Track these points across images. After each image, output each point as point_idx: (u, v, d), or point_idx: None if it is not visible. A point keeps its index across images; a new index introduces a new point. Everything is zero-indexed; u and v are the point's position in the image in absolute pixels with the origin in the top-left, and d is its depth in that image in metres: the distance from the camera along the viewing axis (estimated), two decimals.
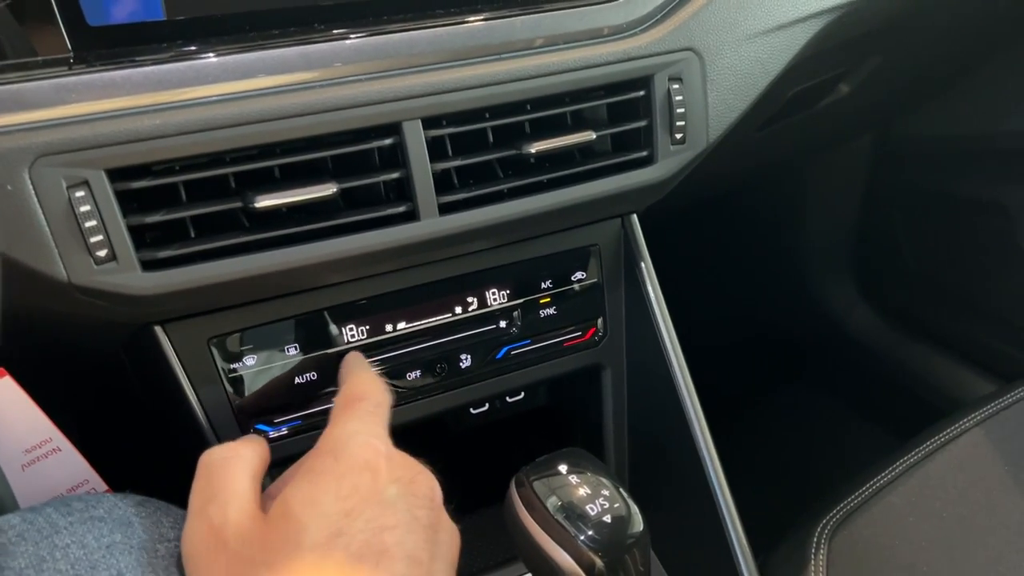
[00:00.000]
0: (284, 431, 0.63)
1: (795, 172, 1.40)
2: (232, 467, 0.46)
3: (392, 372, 0.66)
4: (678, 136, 0.64)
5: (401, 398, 0.67)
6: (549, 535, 0.52)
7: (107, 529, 0.45)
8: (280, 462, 0.63)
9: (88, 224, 0.48)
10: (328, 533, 0.41)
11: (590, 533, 0.51)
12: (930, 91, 1.19)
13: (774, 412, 1.53)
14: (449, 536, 0.47)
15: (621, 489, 0.55)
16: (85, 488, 0.57)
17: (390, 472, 0.46)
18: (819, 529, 0.75)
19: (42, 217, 0.47)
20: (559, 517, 0.52)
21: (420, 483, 0.47)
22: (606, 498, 0.53)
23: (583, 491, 0.53)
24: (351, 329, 0.64)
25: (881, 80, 0.97)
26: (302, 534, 0.41)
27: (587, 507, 0.52)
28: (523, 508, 0.54)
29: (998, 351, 1.29)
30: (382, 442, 0.48)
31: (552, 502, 0.53)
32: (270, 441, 0.62)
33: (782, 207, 1.49)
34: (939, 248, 1.35)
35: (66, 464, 0.56)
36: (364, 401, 0.51)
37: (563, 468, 0.55)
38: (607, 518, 0.52)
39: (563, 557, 0.51)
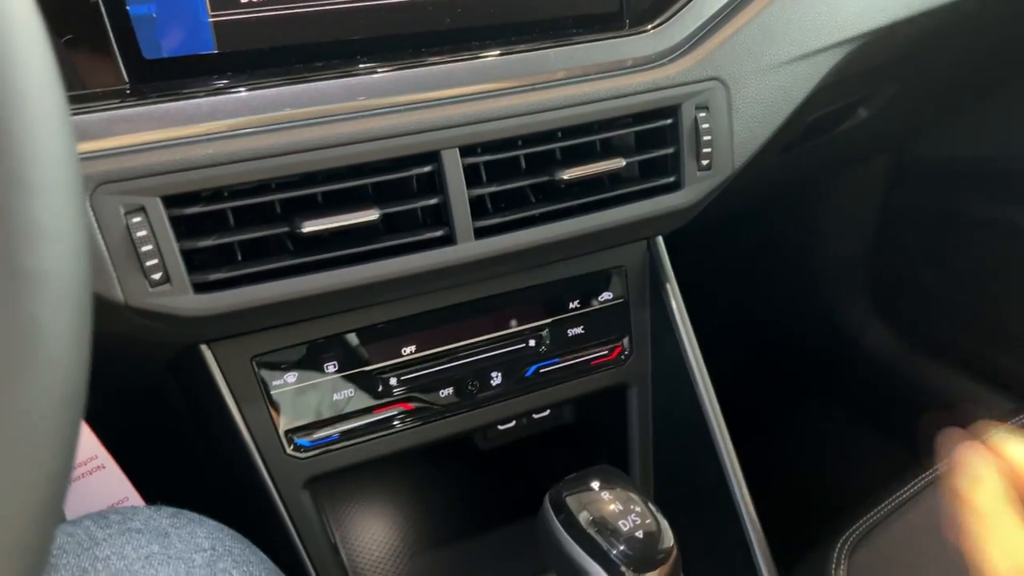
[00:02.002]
0: (322, 446, 0.65)
1: (812, 191, 1.41)
2: None
3: (425, 390, 0.68)
4: (704, 163, 0.66)
5: (433, 415, 0.69)
6: (583, 549, 0.53)
7: (145, 540, 0.46)
8: (318, 477, 0.66)
9: (144, 249, 0.50)
10: None
11: (622, 548, 0.53)
12: (947, 113, 1.21)
13: (791, 428, 1.54)
14: None
15: (651, 505, 0.56)
16: (125, 504, 0.59)
17: None
18: (839, 545, 0.77)
19: (102, 242, 0.49)
20: (592, 531, 0.54)
21: None
22: (637, 514, 0.55)
23: (615, 507, 0.55)
24: (386, 348, 0.66)
25: (899, 104, 0.98)
26: None
27: (619, 522, 0.54)
28: (557, 522, 0.55)
29: (1014, 369, 1.30)
30: None
31: (584, 517, 0.55)
32: (309, 456, 0.64)
33: (799, 225, 1.50)
34: (954, 267, 1.35)
35: (108, 481, 0.58)
36: None
37: (595, 484, 0.57)
38: (639, 533, 0.54)
39: (596, 570, 0.53)
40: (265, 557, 0.53)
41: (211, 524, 0.51)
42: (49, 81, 0.27)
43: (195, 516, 0.51)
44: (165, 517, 0.49)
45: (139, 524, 0.47)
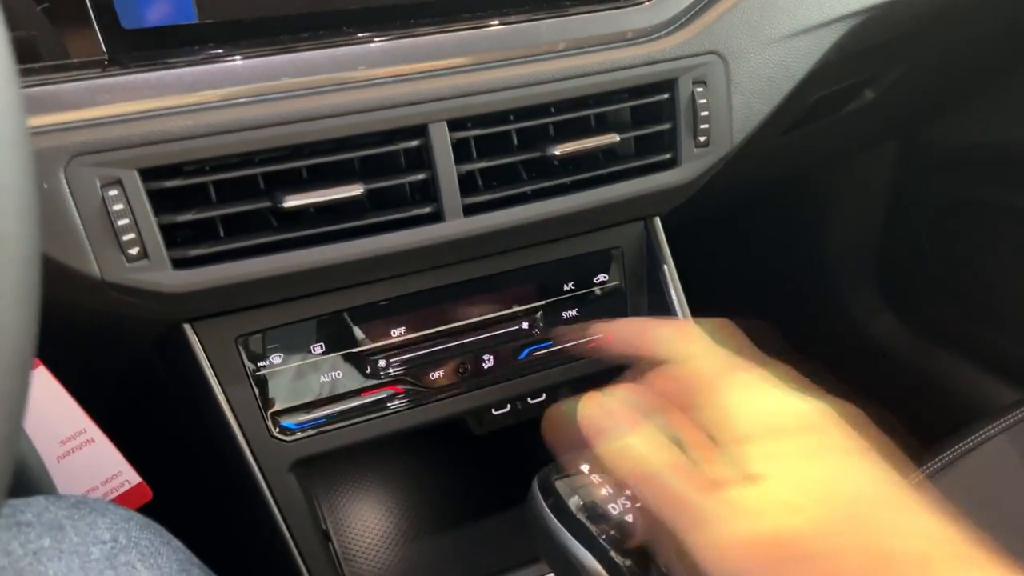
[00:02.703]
0: (309, 428, 0.64)
1: (820, 178, 1.39)
2: None
3: (415, 372, 0.66)
4: (702, 139, 0.64)
5: (424, 398, 0.67)
6: (571, 534, 0.52)
7: (35, 534, 0.43)
8: (305, 460, 0.64)
9: (121, 222, 0.49)
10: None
11: (612, 533, 0.51)
12: (957, 99, 1.19)
13: None
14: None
15: None
16: (118, 480, 0.58)
17: (819, 419, 0.41)
18: None
19: (76, 215, 0.48)
20: (581, 516, 0.52)
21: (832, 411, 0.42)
22: (628, 497, 0.53)
23: (605, 491, 0.54)
24: (375, 328, 0.64)
25: (907, 87, 0.96)
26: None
27: (609, 506, 0.53)
28: (545, 507, 0.54)
29: (1023, 359, 1.28)
30: (797, 397, 0.42)
31: (574, 501, 0.53)
32: (296, 439, 0.63)
33: (806, 213, 1.49)
34: (964, 256, 1.34)
35: (100, 455, 0.57)
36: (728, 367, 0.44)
37: (584, 468, 0.56)
38: (629, 517, 0.52)
39: (585, 556, 0.51)
40: (181, 546, 0.50)
41: (118, 513, 0.48)
42: None
43: (99, 504, 0.48)
44: (63, 508, 0.46)
45: (30, 516, 0.44)
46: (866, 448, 0.41)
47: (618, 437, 0.43)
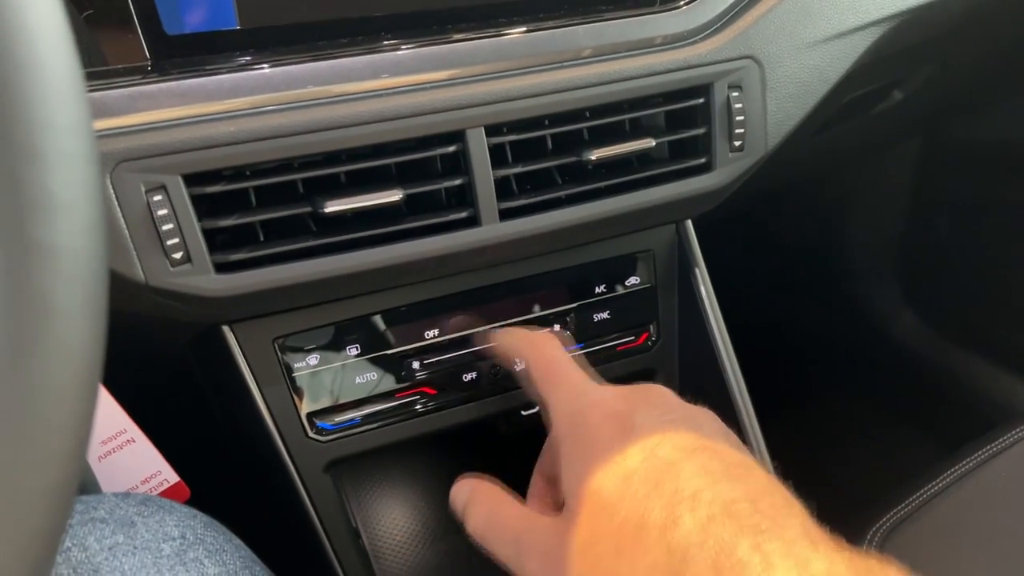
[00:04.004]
0: (344, 429, 0.64)
1: (840, 175, 1.39)
2: None
3: (448, 374, 0.67)
4: (737, 144, 0.64)
5: (456, 400, 0.68)
6: None
7: (109, 531, 0.44)
8: (339, 460, 0.65)
9: (165, 227, 0.50)
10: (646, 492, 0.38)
11: None
12: (984, 98, 1.18)
13: (818, 417, 1.52)
14: (702, 413, 0.46)
15: None
16: (157, 479, 0.59)
17: (627, 405, 0.44)
18: (868, 537, 0.75)
19: (122, 221, 0.49)
20: None
21: (651, 393, 0.46)
22: None
23: None
24: (409, 331, 0.65)
25: (936, 87, 0.96)
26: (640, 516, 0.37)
27: None
28: None
29: None
30: (602, 392, 0.46)
31: None
32: (331, 439, 0.64)
33: (827, 211, 1.48)
34: (987, 254, 1.33)
35: (139, 455, 0.58)
36: (554, 365, 0.51)
37: None
38: None
39: None
40: (242, 544, 0.51)
41: (183, 511, 0.49)
42: (63, 49, 0.26)
43: (166, 503, 0.50)
44: (132, 505, 0.47)
45: (103, 513, 0.46)
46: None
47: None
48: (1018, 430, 0.83)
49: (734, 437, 0.45)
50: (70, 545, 0.43)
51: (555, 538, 0.40)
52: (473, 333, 0.67)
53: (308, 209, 0.54)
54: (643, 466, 0.39)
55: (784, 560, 0.33)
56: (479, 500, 0.48)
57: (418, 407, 0.67)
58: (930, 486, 0.79)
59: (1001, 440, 0.82)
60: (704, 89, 0.62)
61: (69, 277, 0.26)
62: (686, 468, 0.38)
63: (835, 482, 1.23)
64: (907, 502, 0.78)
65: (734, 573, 0.33)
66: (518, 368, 0.57)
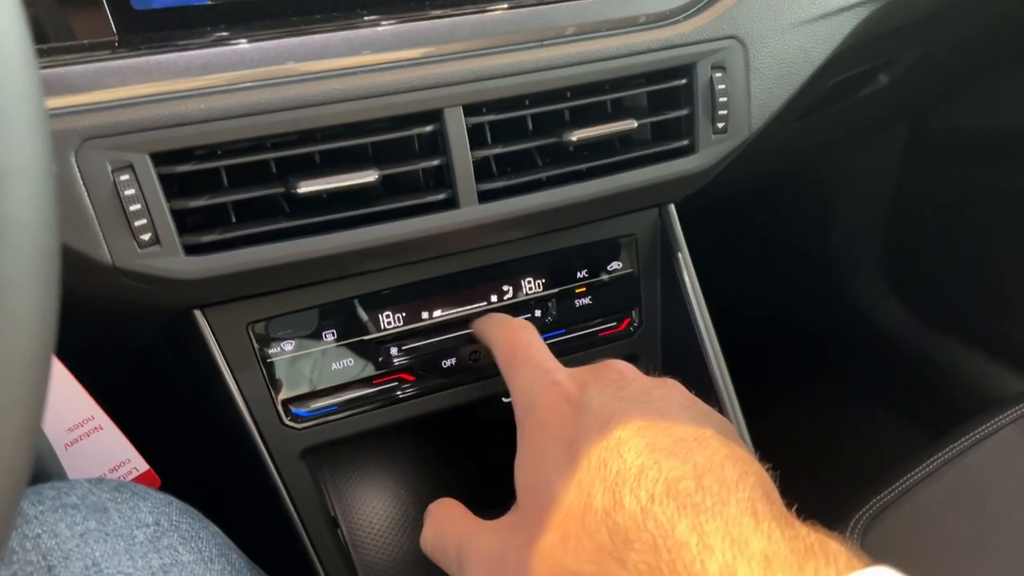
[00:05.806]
0: (320, 416, 0.63)
1: (826, 163, 1.38)
2: None
3: (427, 360, 0.66)
4: (720, 125, 0.63)
5: (435, 386, 0.67)
6: None
7: (81, 516, 0.43)
8: (315, 448, 0.64)
9: (132, 208, 0.48)
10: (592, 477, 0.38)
11: None
12: (970, 83, 1.18)
13: (802, 405, 1.52)
14: (663, 385, 0.45)
15: None
16: (126, 468, 0.57)
17: (578, 386, 0.45)
18: (851, 525, 0.75)
19: (87, 200, 0.47)
20: None
21: (607, 371, 0.46)
22: None
23: None
24: (387, 316, 0.64)
25: (921, 71, 0.95)
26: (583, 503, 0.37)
27: None
28: None
29: None
30: (559, 373, 0.47)
31: None
32: (306, 426, 0.63)
33: (812, 198, 1.48)
34: (972, 242, 1.33)
35: (108, 443, 0.56)
36: (520, 350, 0.52)
37: None
38: None
39: None
40: (218, 531, 0.50)
41: (158, 497, 0.48)
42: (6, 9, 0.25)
43: (141, 489, 0.48)
44: (106, 491, 0.46)
45: (75, 499, 0.44)
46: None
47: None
48: (1000, 417, 0.83)
49: (701, 405, 0.44)
50: (40, 532, 0.42)
51: (497, 542, 0.41)
52: (452, 318, 0.66)
53: (281, 190, 0.52)
54: (590, 448, 0.38)
55: (722, 541, 0.32)
56: (430, 520, 0.49)
57: (396, 393, 0.66)
58: (913, 473, 0.79)
59: (983, 427, 0.82)
60: (687, 69, 0.61)
61: (16, 249, 0.25)
62: (633, 446, 0.38)
63: (819, 469, 1.23)
64: (891, 488, 0.77)
65: (672, 555, 0.32)
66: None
